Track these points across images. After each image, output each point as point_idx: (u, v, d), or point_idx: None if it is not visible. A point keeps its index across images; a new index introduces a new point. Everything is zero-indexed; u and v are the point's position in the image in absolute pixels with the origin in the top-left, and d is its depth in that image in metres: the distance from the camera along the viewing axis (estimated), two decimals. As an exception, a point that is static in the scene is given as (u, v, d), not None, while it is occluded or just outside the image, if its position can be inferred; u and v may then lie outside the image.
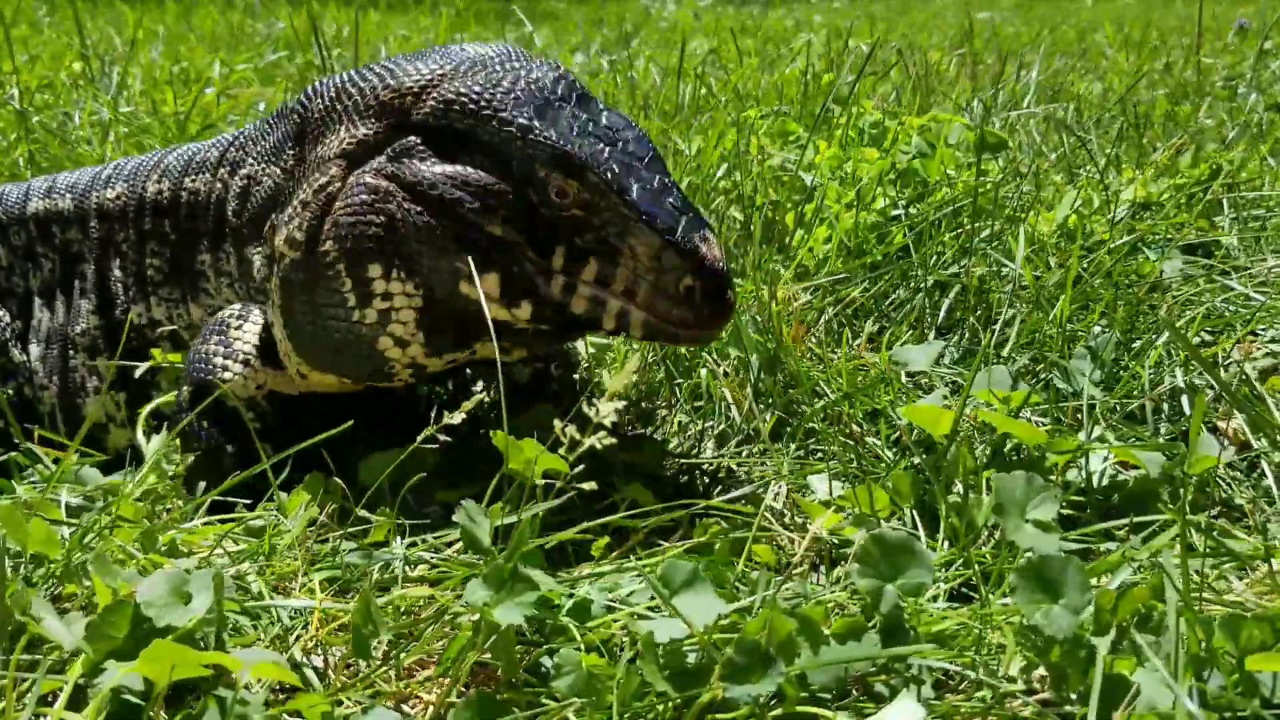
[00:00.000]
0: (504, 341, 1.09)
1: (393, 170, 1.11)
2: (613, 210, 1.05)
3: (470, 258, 1.07)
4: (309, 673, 0.85)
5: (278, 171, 1.24)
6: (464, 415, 0.88)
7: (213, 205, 1.31)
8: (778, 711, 0.80)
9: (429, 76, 1.14)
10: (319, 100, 1.21)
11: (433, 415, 0.97)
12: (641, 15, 6.08)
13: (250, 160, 1.28)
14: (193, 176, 1.35)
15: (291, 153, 1.22)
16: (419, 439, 0.94)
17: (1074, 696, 0.79)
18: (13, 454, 1.28)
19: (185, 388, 1.24)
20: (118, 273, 1.39)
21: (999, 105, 2.55)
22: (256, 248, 1.25)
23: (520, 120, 1.09)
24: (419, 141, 1.12)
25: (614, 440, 0.83)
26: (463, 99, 1.11)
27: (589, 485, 0.87)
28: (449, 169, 1.10)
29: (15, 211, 1.47)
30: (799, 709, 0.81)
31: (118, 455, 1.35)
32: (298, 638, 0.88)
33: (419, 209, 1.09)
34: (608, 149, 1.08)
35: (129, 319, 1.37)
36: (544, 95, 1.12)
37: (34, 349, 1.44)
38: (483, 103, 1.10)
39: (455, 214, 1.08)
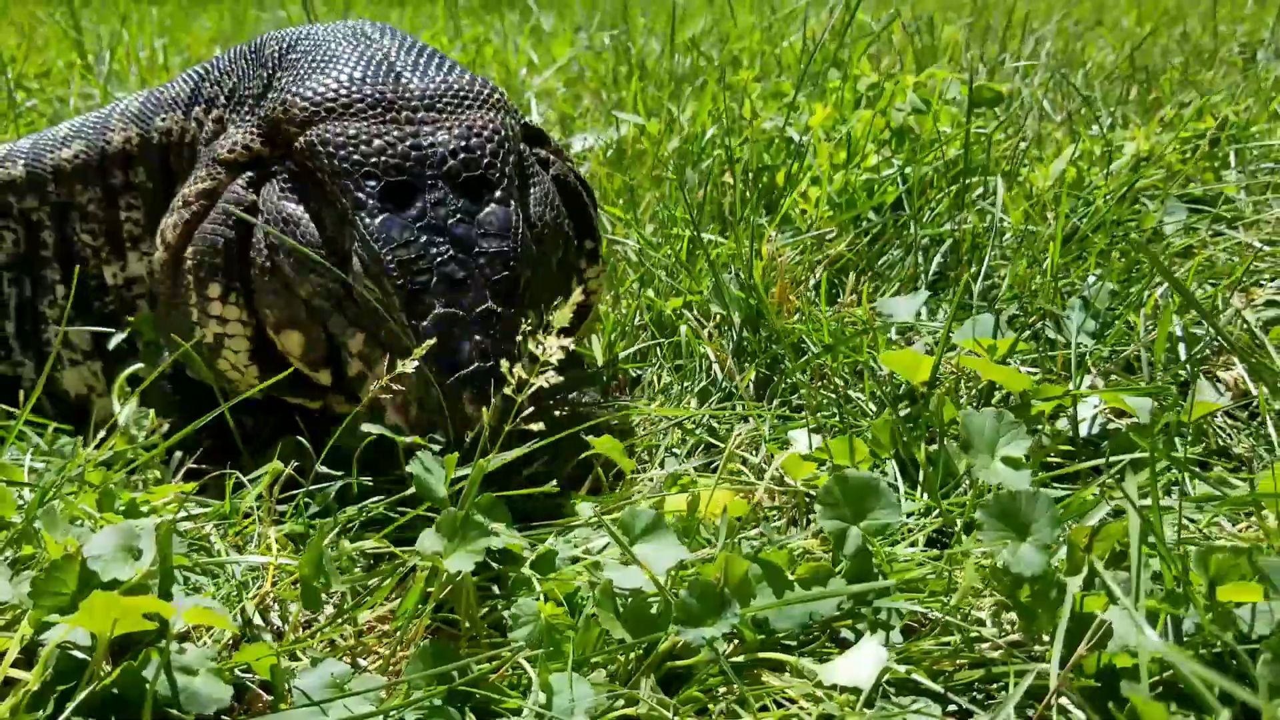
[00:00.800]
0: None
1: (271, 194, 1.09)
2: (399, 325, 0.99)
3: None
4: (263, 629, 0.83)
5: (253, 125, 1.17)
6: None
7: (187, 145, 1.26)
8: (739, 658, 0.78)
9: (321, 103, 1.08)
10: (280, 75, 1.17)
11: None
12: (653, -1, 6.04)
13: (221, 103, 1.23)
14: (164, 115, 1.29)
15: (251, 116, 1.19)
16: (365, 401, 0.92)
17: (1045, 638, 0.76)
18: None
19: (168, 356, 1.21)
20: (85, 236, 1.34)
21: (1003, 68, 2.50)
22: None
23: (359, 196, 1.01)
24: (294, 173, 1.08)
25: (561, 379, 0.81)
26: (330, 149, 1.04)
27: (537, 425, 0.84)
28: (310, 212, 1.07)
29: None
30: (760, 655, 0.78)
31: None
32: (254, 595, 0.87)
33: (282, 255, 1.07)
34: (444, 255, 0.99)
35: (106, 280, 1.33)
36: (420, 169, 1.03)
37: (9, 325, 1.41)
38: (341, 160, 1.04)
39: (301, 268, 1.06)
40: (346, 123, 1.05)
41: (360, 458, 1.00)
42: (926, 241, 1.50)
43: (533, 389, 0.80)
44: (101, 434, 1.08)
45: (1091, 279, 1.36)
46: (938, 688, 0.74)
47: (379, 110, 1.06)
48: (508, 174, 1.06)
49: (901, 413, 1.08)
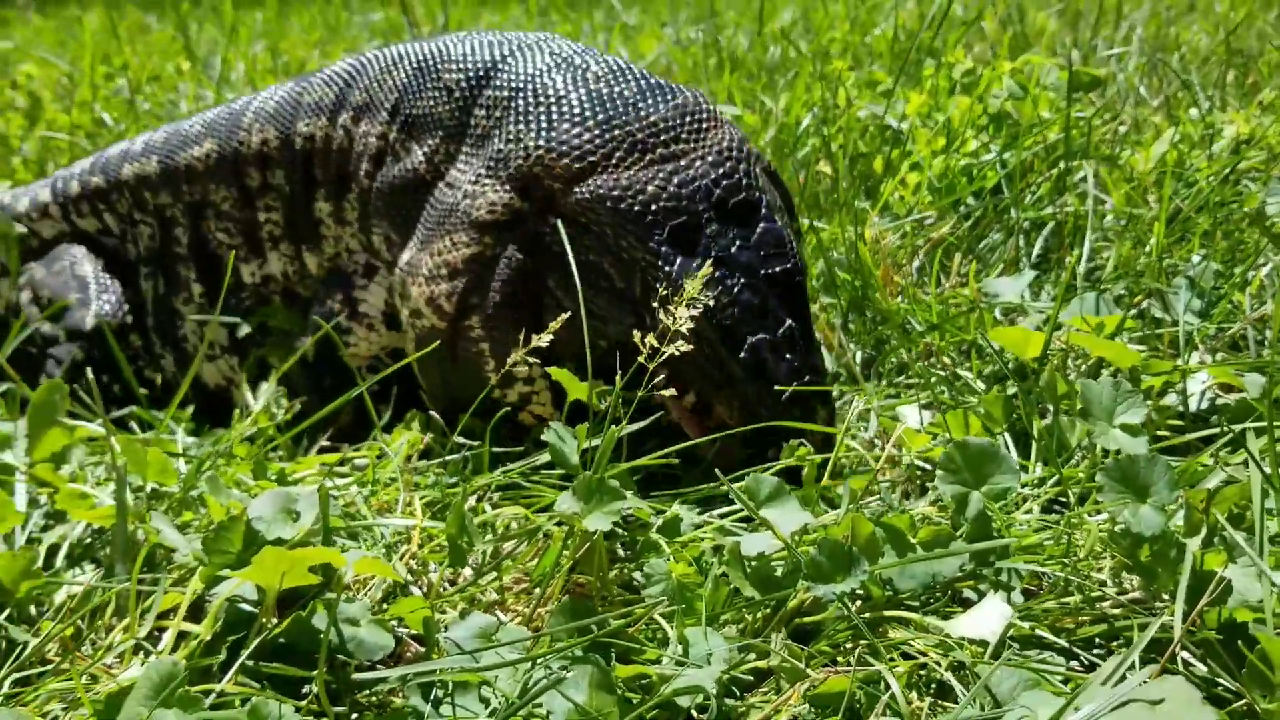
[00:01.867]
0: None
1: (534, 249, 1.07)
2: (714, 362, 1.01)
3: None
4: (413, 584, 0.89)
5: (420, 155, 1.17)
6: (551, 334, 0.91)
7: (334, 154, 1.26)
8: (865, 615, 0.81)
9: (583, 156, 1.06)
10: (484, 111, 1.13)
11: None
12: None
13: (382, 119, 1.22)
14: (307, 120, 1.28)
15: (443, 149, 1.16)
16: (507, 365, 0.97)
17: (1165, 596, 0.78)
18: (133, 410, 1.34)
19: (308, 340, 1.26)
20: (220, 235, 1.37)
21: (1096, 54, 2.49)
22: (387, 231, 1.21)
23: (651, 245, 1.02)
24: (552, 230, 1.07)
25: (691, 348, 0.85)
26: (608, 205, 1.03)
27: (669, 392, 0.89)
28: (587, 268, 1.05)
29: (113, 176, 1.46)
30: (886, 613, 0.82)
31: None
32: (401, 555, 0.92)
33: (566, 291, 1.06)
34: (738, 285, 1.01)
35: (243, 278, 1.37)
36: (694, 206, 1.03)
37: (149, 320, 1.46)
38: (623, 215, 1.03)
39: (595, 305, 1.05)
40: (615, 174, 1.04)
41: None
42: (1028, 225, 1.52)
43: (663, 356, 0.84)
44: (256, 408, 1.15)
45: (1196, 259, 1.37)
46: (1062, 642, 0.77)
47: (638, 153, 1.05)
48: (762, 186, 1.07)
49: (1012, 388, 1.11)
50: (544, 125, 1.08)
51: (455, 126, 1.15)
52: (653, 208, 1.02)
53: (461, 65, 1.17)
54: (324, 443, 1.24)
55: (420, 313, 1.11)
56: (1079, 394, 0.91)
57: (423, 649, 0.83)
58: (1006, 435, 1.06)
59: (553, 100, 1.09)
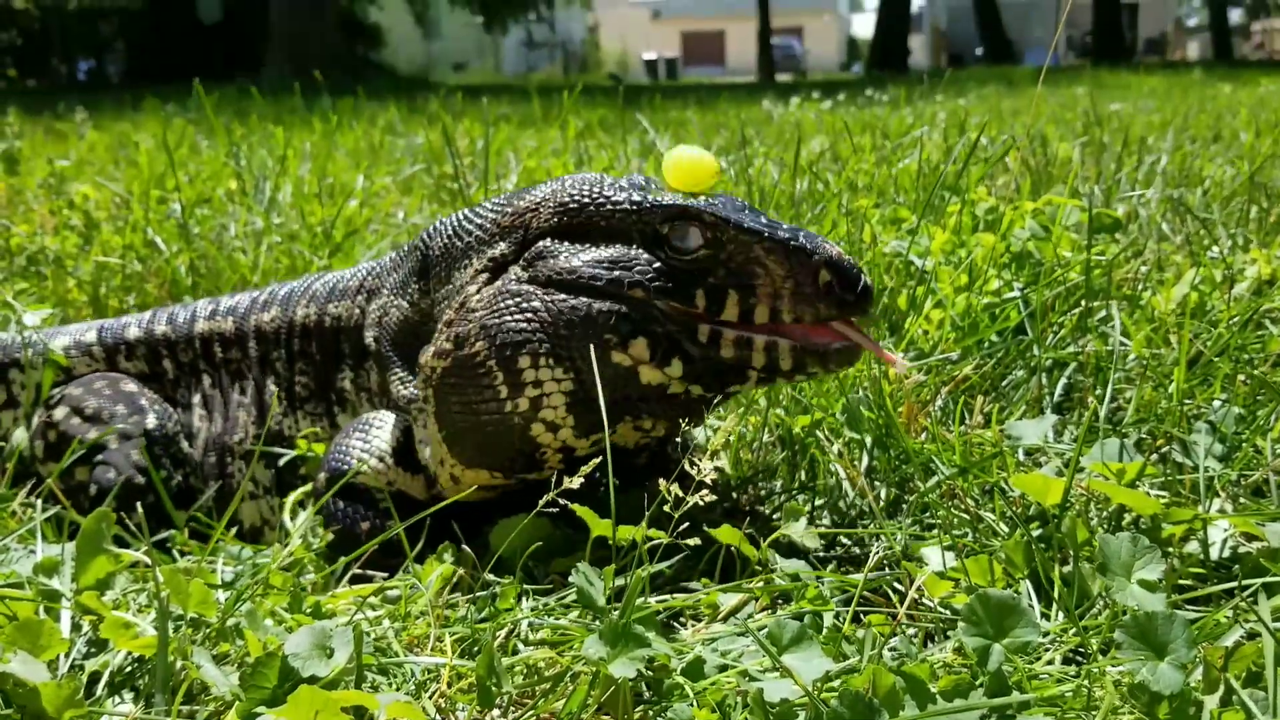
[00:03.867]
0: (654, 410, 1.17)
1: (529, 275, 1.20)
2: (735, 242, 1.13)
3: (618, 327, 1.14)
4: (439, 725, 0.91)
5: (405, 304, 1.36)
6: (580, 480, 0.94)
7: (352, 329, 1.46)
8: (885, 767, 0.82)
9: (539, 198, 1.25)
10: (438, 239, 1.33)
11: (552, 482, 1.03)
12: (763, 118, 6.22)
13: (385, 291, 1.41)
14: (335, 303, 1.49)
15: (416, 286, 1.35)
16: (540, 504, 1.00)
17: (1185, 756, 0.79)
18: (174, 534, 1.38)
19: (322, 474, 1.35)
20: (272, 387, 1.54)
21: (1120, 188, 2.55)
22: (395, 370, 1.37)
23: (630, 197, 1.18)
24: (547, 244, 1.21)
25: (715, 497, 0.88)
26: (573, 200, 1.21)
27: (693, 541, 0.91)
28: (581, 256, 1.19)
29: (184, 331, 1.64)
30: (907, 765, 0.82)
31: None
32: (430, 694, 0.94)
33: (561, 296, 1.17)
34: (712, 203, 1.16)
35: (282, 429, 1.51)
36: (641, 184, 1.22)
37: (194, 454, 1.57)
38: (590, 197, 1.20)
39: (595, 289, 1.16)
40: (566, 190, 1.24)
41: (514, 552, 1.09)
42: (1050, 364, 1.55)
43: (687, 506, 0.87)
44: (289, 541, 1.18)
45: (1217, 403, 1.39)
46: (1081, 801, 0.77)
47: (575, 183, 1.27)
48: None
49: (1033, 533, 1.12)
50: (499, 205, 1.29)
51: (423, 268, 1.36)
52: (614, 185, 1.22)
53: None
54: (356, 570, 1.27)
55: (433, 369, 1.24)
56: (1099, 549, 0.93)
57: (450, 790, 0.84)
58: (1027, 583, 1.07)
59: (498, 199, 1.32)
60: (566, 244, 1.21)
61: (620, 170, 3.25)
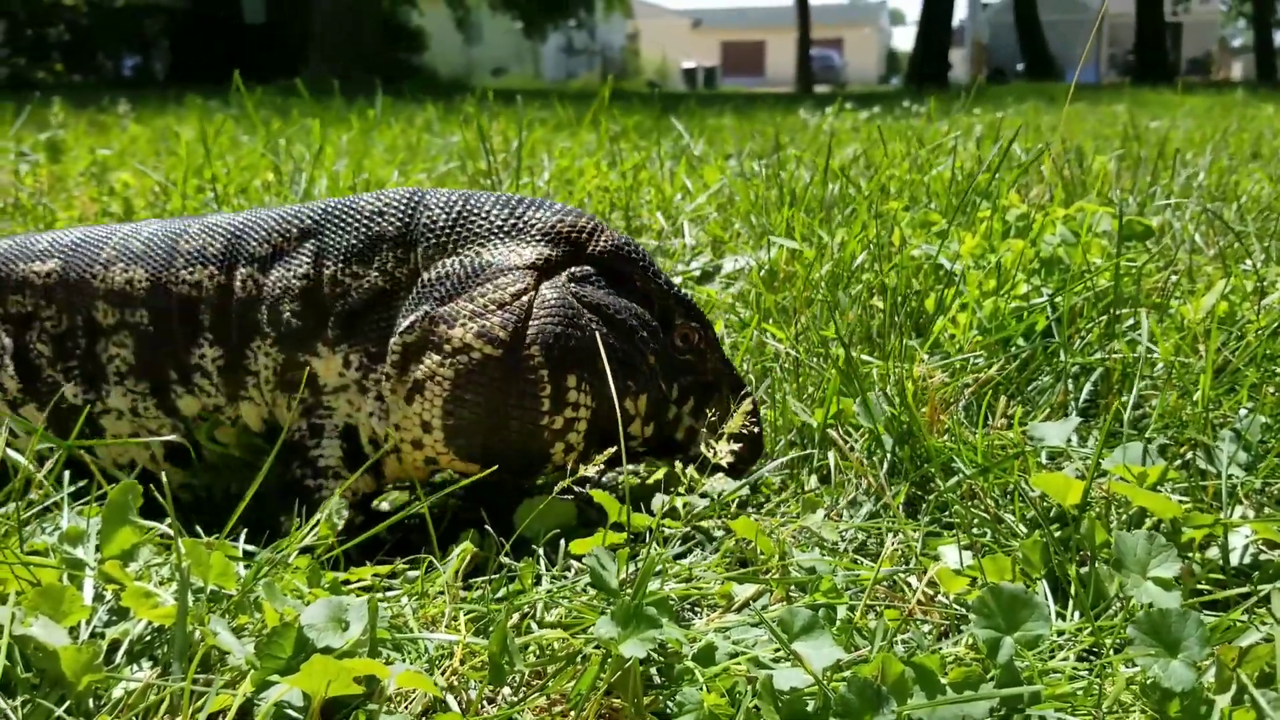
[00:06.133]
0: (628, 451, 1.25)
1: (576, 291, 1.22)
2: (710, 363, 1.29)
3: (639, 379, 1.23)
4: (451, 700, 0.91)
5: (374, 274, 1.26)
6: (598, 466, 0.95)
7: (249, 301, 1.29)
8: (893, 755, 0.82)
9: (597, 225, 1.28)
10: (436, 214, 1.26)
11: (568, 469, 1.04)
12: (799, 126, 6.22)
13: (305, 259, 1.28)
14: (191, 269, 1.32)
15: (393, 255, 1.26)
16: (556, 490, 1.01)
17: (1195, 754, 0.79)
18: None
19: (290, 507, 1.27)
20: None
21: (1153, 201, 2.53)
22: (345, 348, 1.26)
23: (663, 274, 1.28)
24: (593, 272, 1.24)
25: (732, 480, 0.88)
26: (624, 247, 1.27)
27: (709, 522, 0.91)
28: (622, 301, 1.24)
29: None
30: (914, 754, 0.82)
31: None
32: (443, 670, 0.95)
33: (606, 330, 1.21)
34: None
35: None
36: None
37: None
38: (637, 253, 1.28)
39: (632, 340, 1.23)
40: (610, 232, 1.30)
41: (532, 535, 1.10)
42: (1076, 369, 1.54)
43: (702, 489, 0.88)
44: (315, 520, 1.19)
45: (1243, 412, 1.38)
46: (1088, 794, 0.77)
47: (601, 224, 1.35)
48: None
49: (1053, 534, 1.12)
50: (540, 205, 1.29)
51: (402, 239, 1.28)
52: (645, 252, 1.30)
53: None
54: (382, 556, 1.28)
55: (470, 347, 1.18)
56: (1114, 546, 0.93)
57: (458, 764, 0.85)
58: (1044, 583, 1.07)
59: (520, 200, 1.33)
60: (607, 281, 1.25)
61: (652, 171, 3.26)
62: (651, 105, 6.65)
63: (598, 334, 1.20)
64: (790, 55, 33.87)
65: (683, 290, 1.27)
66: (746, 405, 1.25)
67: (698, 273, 2.28)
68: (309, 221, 1.31)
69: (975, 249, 1.82)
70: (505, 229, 1.25)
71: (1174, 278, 1.82)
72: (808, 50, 26.52)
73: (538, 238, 1.25)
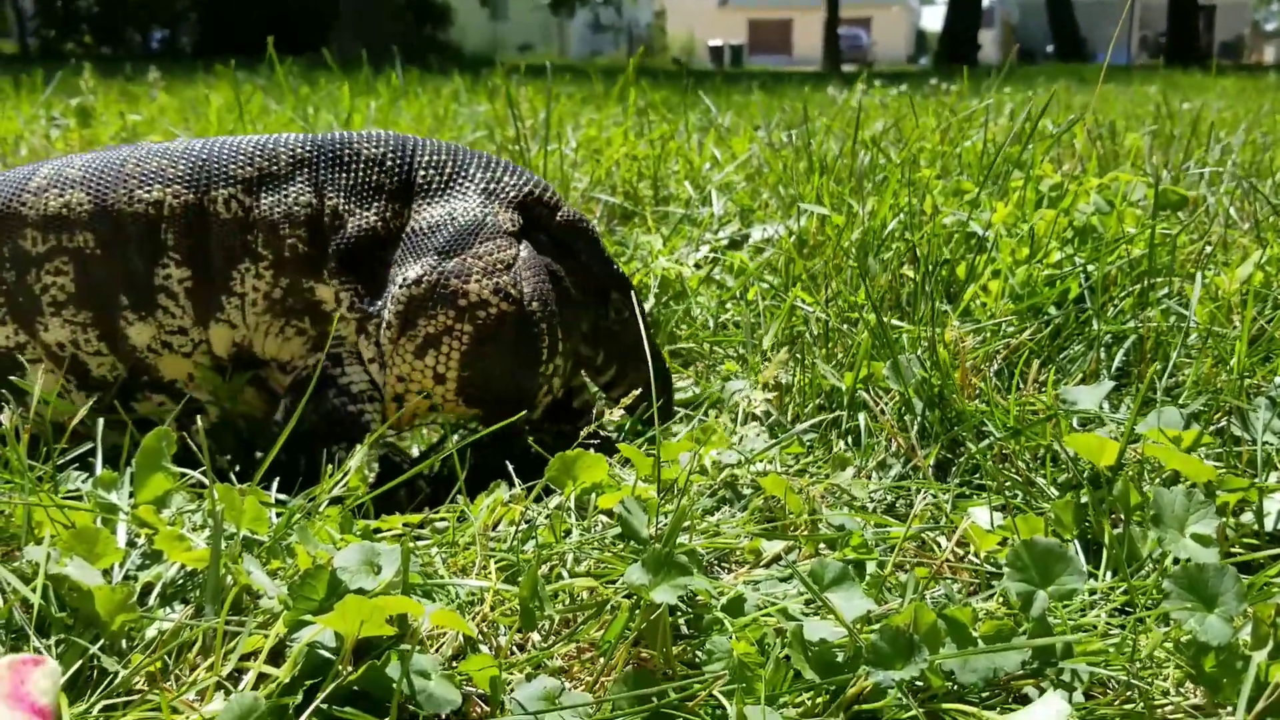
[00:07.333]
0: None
1: (541, 256, 1.34)
2: (632, 335, 1.40)
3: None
4: (482, 644, 0.92)
5: (373, 219, 1.28)
6: (622, 411, 0.95)
7: (232, 222, 1.27)
8: (924, 705, 0.82)
9: (555, 195, 1.38)
10: (429, 167, 1.33)
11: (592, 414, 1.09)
12: (827, 103, 6.18)
13: (330, 193, 1.29)
14: (161, 187, 1.28)
15: (390, 206, 1.29)
16: (581, 435, 1.01)
17: (1228, 709, 0.78)
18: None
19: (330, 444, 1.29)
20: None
21: (1187, 175, 2.50)
22: (337, 283, 1.27)
23: (605, 250, 1.39)
24: (547, 241, 1.36)
25: (766, 430, 0.88)
26: (579, 222, 1.38)
27: (741, 471, 0.91)
28: (565, 266, 1.36)
29: None
30: (945, 706, 0.82)
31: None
32: (473, 616, 0.95)
33: (559, 292, 1.33)
34: None
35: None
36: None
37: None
38: (585, 225, 1.39)
39: (576, 305, 1.36)
40: (568, 205, 1.44)
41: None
42: (1109, 338, 1.53)
43: (738, 437, 0.88)
44: (349, 468, 1.19)
45: (1279, 379, 1.36)
46: (1121, 745, 0.77)
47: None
48: None
49: (1085, 496, 1.11)
50: (513, 172, 1.37)
51: (402, 190, 1.34)
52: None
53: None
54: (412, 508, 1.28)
55: (487, 303, 1.25)
56: (1153, 502, 0.92)
57: (488, 708, 0.85)
58: (1076, 543, 1.06)
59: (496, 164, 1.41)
60: (557, 251, 1.36)
61: (679, 142, 3.24)
62: (679, 81, 6.62)
63: (564, 293, 1.33)
64: (818, 34, 33.60)
65: (618, 265, 1.40)
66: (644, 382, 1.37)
67: (726, 241, 2.27)
68: (301, 152, 1.30)
69: (1008, 217, 1.81)
70: (486, 189, 1.34)
71: (1208, 249, 1.80)
72: (835, 29, 26.30)
73: (513, 202, 1.34)
